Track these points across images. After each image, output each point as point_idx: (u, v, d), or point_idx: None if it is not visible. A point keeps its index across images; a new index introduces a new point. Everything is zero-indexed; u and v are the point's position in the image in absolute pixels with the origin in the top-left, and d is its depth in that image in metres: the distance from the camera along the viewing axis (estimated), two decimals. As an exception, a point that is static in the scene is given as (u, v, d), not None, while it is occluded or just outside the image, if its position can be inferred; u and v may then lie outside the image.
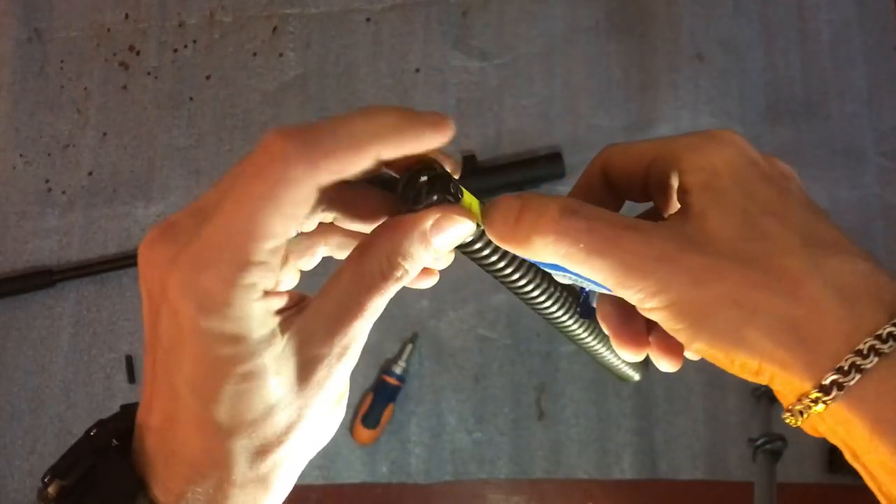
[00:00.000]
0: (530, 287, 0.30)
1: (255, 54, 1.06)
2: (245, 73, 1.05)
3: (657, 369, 0.30)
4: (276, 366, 0.24)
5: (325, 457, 0.93)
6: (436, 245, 0.25)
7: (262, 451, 0.24)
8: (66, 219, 1.02)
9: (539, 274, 0.29)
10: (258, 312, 0.23)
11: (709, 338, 0.24)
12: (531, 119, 1.00)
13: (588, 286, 0.28)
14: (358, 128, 0.23)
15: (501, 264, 0.28)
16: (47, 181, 1.04)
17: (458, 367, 0.94)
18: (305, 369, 0.24)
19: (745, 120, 0.97)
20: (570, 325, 0.32)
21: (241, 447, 0.24)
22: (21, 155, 1.06)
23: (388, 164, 0.25)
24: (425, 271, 0.29)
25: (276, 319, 0.24)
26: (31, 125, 1.07)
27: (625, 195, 0.31)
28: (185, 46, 1.07)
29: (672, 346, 0.29)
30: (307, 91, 1.04)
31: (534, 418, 0.92)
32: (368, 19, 1.05)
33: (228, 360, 0.23)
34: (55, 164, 1.04)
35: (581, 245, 0.25)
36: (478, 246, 0.28)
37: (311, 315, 0.25)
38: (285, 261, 0.26)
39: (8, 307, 1.00)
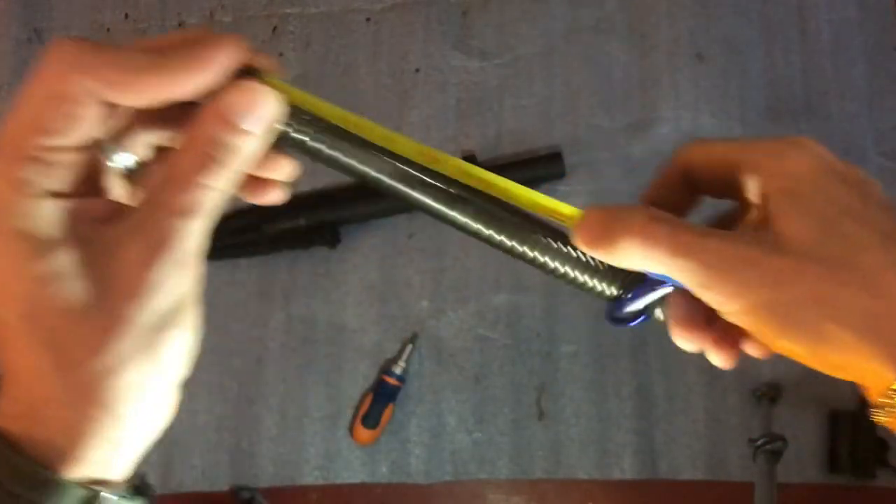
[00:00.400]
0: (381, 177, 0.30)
1: (255, 54, 1.06)
2: (245, 73, 1.05)
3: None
4: (76, 270, 0.22)
5: (325, 457, 0.93)
6: (238, 123, 0.24)
7: (74, 362, 0.22)
8: (66, 219, 1.02)
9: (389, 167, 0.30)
10: (45, 212, 0.22)
11: (793, 335, 0.25)
12: (531, 119, 1.00)
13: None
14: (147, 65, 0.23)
15: (344, 159, 0.29)
16: (47, 181, 1.04)
17: (458, 367, 0.94)
18: (115, 275, 0.23)
19: (745, 120, 0.97)
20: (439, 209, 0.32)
21: (52, 358, 0.22)
22: (21, 155, 1.06)
23: None
24: (262, 182, 0.29)
25: (73, 223, 0.23)
26: (30, 125, 1.07)
27: (703, 192, 0.33)
28: (185, 46, 1.07)
29: (729, 342, 0.30)
30: (307, 91, 1.04)
31: (534, 418, 0.92)
32: (368, 19, 1.05)
33: (21, 257, 0.22)
34: (55, 164, 1.04)
35: (665, 248, 0.26)
36: (301, 138, 0.27)
37: (121, 221, 0.24)
38: (90, 170, 0.25)
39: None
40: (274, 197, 0.29)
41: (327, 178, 0.96)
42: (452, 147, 0.99)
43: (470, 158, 0.98)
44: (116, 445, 0.24)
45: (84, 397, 0.23)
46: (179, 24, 1.08)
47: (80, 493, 0.23)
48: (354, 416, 0.93)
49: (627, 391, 0.92)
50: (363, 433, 0.91)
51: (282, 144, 0.28)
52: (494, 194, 0.31)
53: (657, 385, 0.91)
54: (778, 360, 0.94)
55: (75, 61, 0.22)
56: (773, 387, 0.89)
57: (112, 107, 0.23)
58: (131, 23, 1.09)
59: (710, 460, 0.90)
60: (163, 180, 0.24)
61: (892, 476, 0.87)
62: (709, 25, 1.01)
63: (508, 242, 0.31)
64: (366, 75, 1.03)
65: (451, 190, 0.31)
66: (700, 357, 0.93)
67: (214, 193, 0.24)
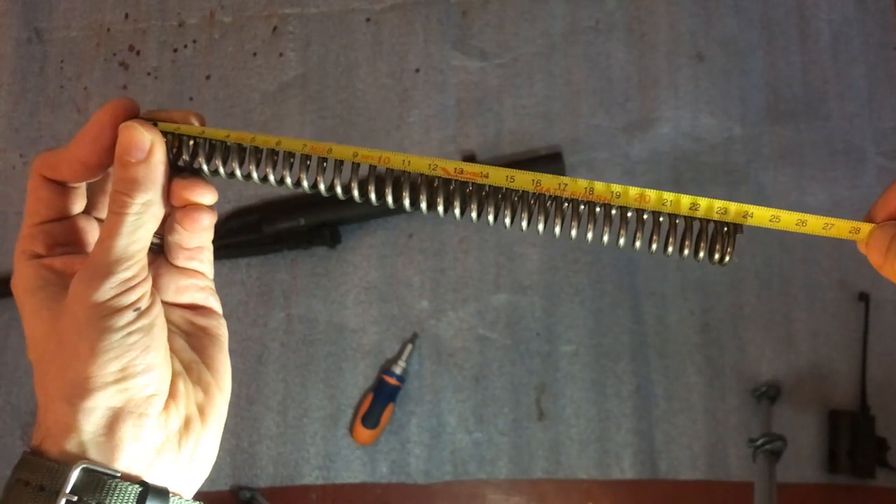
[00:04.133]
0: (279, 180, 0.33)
1: (255, 54, 1.06)
2: (245, 73, 1.05)
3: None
4: (41, 307, 0.30)
5: (326, 457, 0.93)
6: (124, 157, 0.30)
7: (41, 370, 0.30)
8: (66, 219, 1.02)
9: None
10: (27, 270, 0.31)
11: None
12: (531, 119, 1.00)
13: None
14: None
15: (240, 170, 0.32)
16: (47, 181, 1.04)
17: (458, 367, 0.94)
18: (63, 306, 0.29)
19: (745, 120, 0.97)
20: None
21: (37, 378, 0.30)
22: (21, 155, 1.06)
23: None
24: (190, 208, 0.32)
25: (47, 274, 0.31)
26: (31, 125, 1.07)
27: None
28: (185, 46, 1.07)
29: None
30: (307, 91, 1.04)
31: (534, 418, 0.92)
32: (368, 19, 1.05)
33: (22, 307, 0.31)
34: (55, 164, 1.04)
35: None
36: (199, 161, 0.31)
37: (77, 264, 0.31)
38: (74, 235, 0.33)
39: (8, 307, 1.00)
40: (205, 220, 0.32)
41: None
42: (452, 147, 1.00)
43: (469, 158, 0.99)
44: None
45: (56, 402, 0.28)
46: (179, 25, 1.08)
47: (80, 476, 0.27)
48: (354, 416, 0.93)
49: (627, 391, 0.92)
50: (363, 433, 0.91)
51: (186, 170, 0.32)
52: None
53: (657, 385, 0.91)
54: (778, 360, 0.94)
55: (36, 164, 0.32)
56: (772, 387, 0.89)
57: (62, 185, 0.32)
58: (131, 23, 1.09)
59: (710, 460, 0.90)
60: (104, 225, 0.30)
61: (892, 476, 0.87)
62: (709, 25, 1.01)
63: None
64: (366, 75, 1.03)
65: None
66: (700, 357, 0.93)
67: (131, 217, 0.29)
